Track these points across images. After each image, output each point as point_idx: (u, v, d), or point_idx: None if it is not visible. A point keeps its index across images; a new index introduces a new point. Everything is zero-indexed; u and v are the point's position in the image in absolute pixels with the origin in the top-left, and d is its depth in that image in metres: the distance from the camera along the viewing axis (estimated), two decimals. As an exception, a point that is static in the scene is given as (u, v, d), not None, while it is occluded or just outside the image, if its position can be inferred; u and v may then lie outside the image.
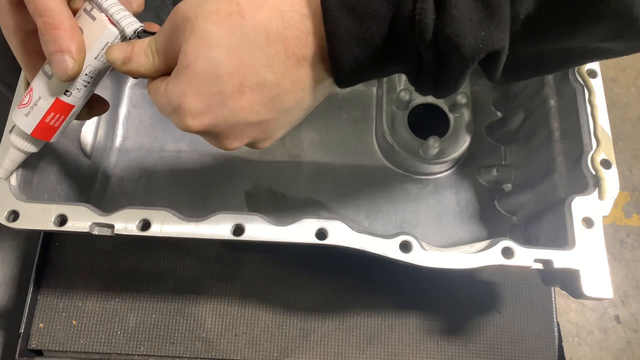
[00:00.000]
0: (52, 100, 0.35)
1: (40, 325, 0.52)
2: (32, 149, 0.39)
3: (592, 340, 1.15)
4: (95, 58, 0.34)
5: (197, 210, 0.43)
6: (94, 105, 0.40)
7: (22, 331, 0.51)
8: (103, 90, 0.59)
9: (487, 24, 0.26)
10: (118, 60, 0.32)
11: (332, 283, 0.54)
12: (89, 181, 0.57)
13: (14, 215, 0.40)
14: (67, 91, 0.35)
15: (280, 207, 0.58)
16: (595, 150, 0.44)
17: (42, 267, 0.54)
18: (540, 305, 0.54)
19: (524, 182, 0.56)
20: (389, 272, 0.54)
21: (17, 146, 0.38)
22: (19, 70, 0.45)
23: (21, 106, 0.36)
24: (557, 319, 0.54)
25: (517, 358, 0.52)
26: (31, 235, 0.57)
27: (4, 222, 0.40)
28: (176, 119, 0.31)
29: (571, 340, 1.14)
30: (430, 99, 0.58)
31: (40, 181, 0.47)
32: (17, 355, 0.50)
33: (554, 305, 0.54)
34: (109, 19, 0.33)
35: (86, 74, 0.34)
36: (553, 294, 0.54)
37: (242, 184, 0.59)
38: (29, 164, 0.44)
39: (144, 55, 0.32)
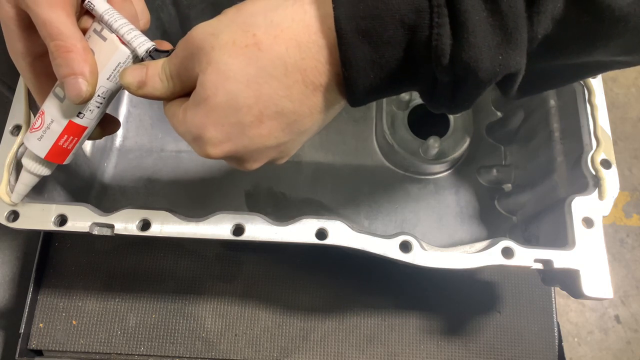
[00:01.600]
0: (65, 123, 0.35)
1: (40, 325, 0.52)
2: (45, 172, 0.38)
3: (592, 340, 1.15)
4: (108, 79, 0.34)
5: (197, 210, 0.43)
6: (106, 125, 0.40)
7: (22, 331, 0.51)
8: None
9: (504, 48, 0.26)
10: (133, 85, 0.32)
11: (332, 283, 0.54)
12: (89, 181, 0.57)
13: (14, 215, 0.40)
14: (80, 113, 0.35)
15: (280, 207, 0.58)
16: (595, 150, 0.44)
17: (42, 267, 0.54)
18: (540, 305, 0.54)
19: (524, 182, 0.56)
20: (389, 272, 0.54)
21: (30, 170, 0.38)
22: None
23: (33, 130, 0.36)
24: (557, 319, 0.53)
25: (517, 358, 0.52)
26: (31, 235, 0.57)
27: (4, 222, 0.40)
28: (197, 147, 0.32)
29: (571, 340, 1.14)
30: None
31: (39, 181, 0.47)
32: (17, 355, 0.50)
33: (554, 305, 0.54)
34: (119, 39, 0.33)
35: (99, 95, 0.34)
36: (553, 294, 0.54)
37: (242, 184, 0.59)
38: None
39: (158, 79, 0.32)
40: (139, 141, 0.60)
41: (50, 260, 0.54)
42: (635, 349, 1.14)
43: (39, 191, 0.47)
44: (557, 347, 0.52)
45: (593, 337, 1.15)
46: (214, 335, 0.52)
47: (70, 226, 0.40)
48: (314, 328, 0.53)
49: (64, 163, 0.37)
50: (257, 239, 0.40)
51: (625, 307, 1.17)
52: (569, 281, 0.40)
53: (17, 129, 0.43)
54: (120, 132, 0.61)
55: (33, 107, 0.45)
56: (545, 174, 0.50)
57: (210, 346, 0.52)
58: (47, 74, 0.35)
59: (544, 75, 0.32)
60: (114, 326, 0.52)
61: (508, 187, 0.58)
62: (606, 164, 0.43)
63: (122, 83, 0.32)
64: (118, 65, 0.33)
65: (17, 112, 0.44)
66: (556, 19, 0.27)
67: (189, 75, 0.31)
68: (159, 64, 0.32)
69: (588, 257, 0.40)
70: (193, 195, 0.58)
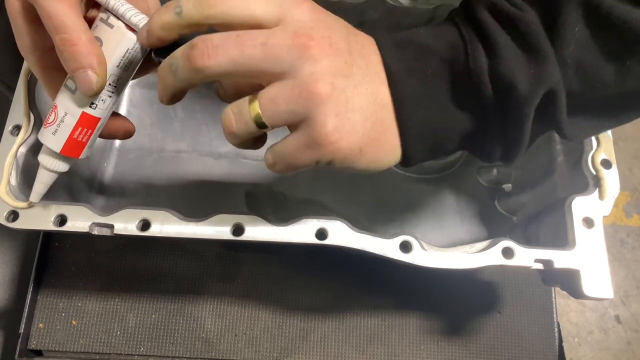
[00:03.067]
0: (79, 115, 0.34)
1: (40, 325, 0.52)
2: (62, 167, 0.38)
3: (593, 341, 1.15)
4: (117, 66, 0.34)
5: (197, 210, 0.43)
6: (121, 130, 0.39)
7: (22, 331, 0.51)
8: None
9: (533, 63, 0.29)
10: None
11: (332, 283, 0.54)
12: (88, 181, 0.57)
13: (14, 215, 0.40)
14: (92, 104, 0.34)
15: (280, 207, 0.58)
16: (596, 150, 0.44)
17: (42, 267, 0.53)
18: (540, 306, 0.54)
19: (524, 182, 0.56)
20: (389, 272, 0.54)
21: (47, 166, 0.37)
22: (18, 70, 0.45)
23: (47, 125, 0.35)
24: (557, 319, 0.53)
25: (517, 358, 0.52)
26: (31, 236, 0.57)
27: (4, 222, 0.40)
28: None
29: (571, 340, 1.14)
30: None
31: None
32: (16, 356, 0.50)
33: (554, 305, 0.54)
34: (127, 25, 0.33)
35: (110, 84, 0.34)
36: (553, 294, 0.54)
37: (242, 184, 0.59)
38: (28, 164, 0.44)
39: None
40: (139, 141, 0.60)
41: (50, 260, 0.54)
42: (635, 349, 1.14)
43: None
44: (557, 347, 0.52)
45: (593, 337, 1.15)
46: (213, 335, 0.52)
47: (70, 226, 0.40)
48: (314, 328, 0.53)
49: (80, 157, 0.37)
50: (257, 239, 0.40)
51: (625, 307, 1.17)
52: (569, 281, 0.40)
53: (17, 129, 0.43)
54: (120, 132, 0.61)
55: (33, 107, 0.45)
56: (546, 174, 0.50)
57: (210, 346, 0.52)
58: (56, 68, 0.35)
59: (593, 109, 0.33)
60: (113, 326, 0.52)
61: (508, 187, 0.58)
62: (606, 163, 0.43)
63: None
64: (127, 51, 0.33)
65: (17, 112, 0.44)
66: (579, 42, 0.29)
67: None
68: None
69: (588, 257, 0.40)
70: (193, 195, 0.58)
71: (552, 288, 0.54)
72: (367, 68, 0.31)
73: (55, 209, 0.41)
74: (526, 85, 0.29)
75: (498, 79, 0.30)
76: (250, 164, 0.59)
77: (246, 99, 0.29)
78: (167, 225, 0.40)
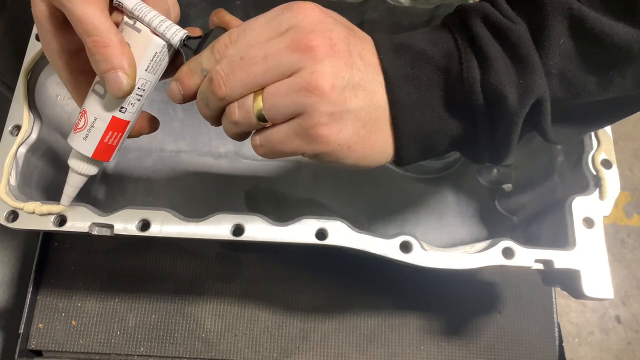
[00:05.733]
0: (109, 119, 0.35)
1: (40, 325, 0.52)
2: (92, 171, 0.38)
3: (593, 341, 1.15)
4: (146, 70, 0.34)
5: (197, 210, 0.43)
6: (147, 124, 0.40)
7: (22, 331, 0.51)
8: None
9: (522, 72, 0.31)
10: None
11: (332, 283, 0.54)
12: (88, 181, 0.56)
13: (14, 215, 0.40)
14: (122, 108, 0.35)
15: (280, 207, 0.58)
16: (596, 150, 0.44)
17: (42, 267, 0.53)
18: (540, 306, 0.54)
19: (524, 182, 0.56)
20: (389, 272, 0.54)
21: (78, 171, 0.38)
22: (18, 70, 0.45)
23: (77, 130, 0.35)
24: (557, 320, 0.53)
25: (517, 358, 0.52)
26: (30, 236, 0.57)
27: (4, 222, 0.40)
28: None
29: (572, 340, 1.14)
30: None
31: (39, 181, 0.47)
32: (16, 356, 0.50)
33: (554, 305, 0.54)
34: (152, 31, 0.33)
35: (138, 88, 0.34)
36: (553, 294, 0.54)
37: (242, 184, 0.59)
38: (28, 164, 0.44)
39: None
40: (139, 141, 0.60)
41: (50, 260, 0.54)
42: (635, 349, 1.14)
43: (39, 191, 0.47)
44: (557, 347, 0.52)
45: (593, 337, 1.15)
46: (213, 335, 0.52)
47: (69, 226, 0.40)
48: (314, 328, 0.53)
49: (109, 161, 0.37)
50: (257, 239, 0.40)
51: (625, 307, 1.17)
52: (569, 281, 0.40)
53: (17, 129, 0.43)
54: (120, 132, 0.61)
55: (33, 107, 0.45)
56: (546, 174, 0.50)
57: (209, 346, 0.52)
58: (83, 71, 0.35)
59: (575, 115, 0.34)
60: (113, 326, 0.52)
61: (508, 187, 0.58)
62: (607, 163, 0.43)
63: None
64: (155, 55, 0.34)
65: (17, 112, 0.44)
66: (564, 53, 0.31)
67: None
68: None
69: (589, 257, 0.40)
70: (193, 195, 0.58)
71: (552, 288, 0.54)
72: (365, 70, 0.32)
73: (55, 209, 0.40)
74: (515, 95, 0.31)
75: (489, 90, 0.31)
76: (250, 164, 0.59)
77: (252, 94, 0.31)
78: (167, 225, 0.40)
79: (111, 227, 0.40)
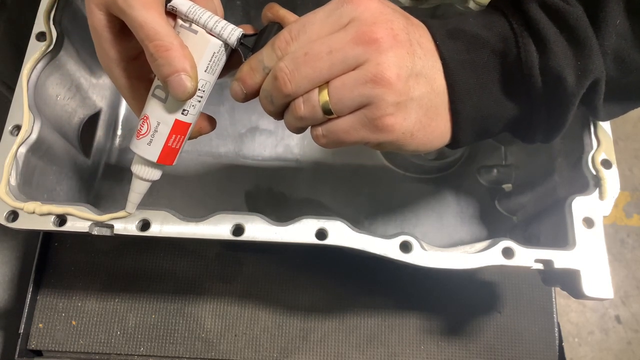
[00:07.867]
0: (172, 122, 0.35)
1: (40, 325, 0.52)
2: (156, 176, 0.38)
3: (593, 341, 1.15)
4: (205, 71, 0.34)
5: (196, 210, 0.43)
6: (205, 123, 0.40)
7: (22, 331, 0.51)
8: (102, 90, 0.59)
9: (580, 55, 0.31)
10: None
11: (332, 283, 0.54)
12: (88, 181, 0.57)
13: (14, 215, 0.40)
14: (184, 110, 0.35)
15: (280, 207, 0.58)
16: (596, 150, 0.44)
17: (42, 267, 0.53)
18: (540, 306, 0.54)
19: (524, 182, 0.55)
20: (389, 272, 0.54)
21: (143, 176, 0.38)
22: (18, 70, 0.45)
23: (140, 136, 0.35)
24: (557, 319, 0.53)
25: (517, 358, 0.52)
26: (31, 236, 0.57)
27: (4, 222, 0.40)
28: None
29: (572, 340, 1.14)
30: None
31: (39, 181, 0.47)
32: (16, 356, 0.50)
33: (554, 305, 0.54)
34: (208, 31, 0.33)
35: (199, 89, 0.34)
36: (553, 294, 0.54)
37: (242, 184, 0.59)
38: (28, 164, 0.44)
39: None
40: (139, 141, 0.60)
41: (50, 260, 0.54)
42: (635, 349, 1.14)
43: (39, 191, 0.47)
44: (557, 347, 0.52)
45: (593, 337, 1.15)
46: (213, 335, 0.52)
47: (69, 226, 0.40)
48: (314, 328, 0.53)
49: (172, 164, 0.37)
50: (257, 239, 0.40)
51: (625, 307, 1.17)
52: (569, 281, 0.40)
53: (17, 129, 0.43)
54: (119, 132, 0.61)
55: (33, 107, 0.45)
56: (546, 174, 0.50)
57: (210, 346, 0.52)
58: (139, 77, 0.35)
59: (624, 93, 0.35)
60: (113, 326, 0.52)
61: (508, 187, 0.58)
62: (607, 163, 0.43)
63: None
64: (213, 55, 0.34)
65: (17, 112, 0.44)
66: (620, 34, 0.31)
67: None
68: None
69: (588, 257, 0.40)
70: (193, 195, 0.58)
71: (552, 288, 0.54)
72: (425, 57, 0.32)
73: (55, 209, 0.40)
74: (574, 77, 0.31)
75: (548, 73, 0.31)
76: (250, 164, 0.59)
77: (317, 89, 0.32)
78: (167, 225, 0.40)
79: (111, 227, 0.40)
